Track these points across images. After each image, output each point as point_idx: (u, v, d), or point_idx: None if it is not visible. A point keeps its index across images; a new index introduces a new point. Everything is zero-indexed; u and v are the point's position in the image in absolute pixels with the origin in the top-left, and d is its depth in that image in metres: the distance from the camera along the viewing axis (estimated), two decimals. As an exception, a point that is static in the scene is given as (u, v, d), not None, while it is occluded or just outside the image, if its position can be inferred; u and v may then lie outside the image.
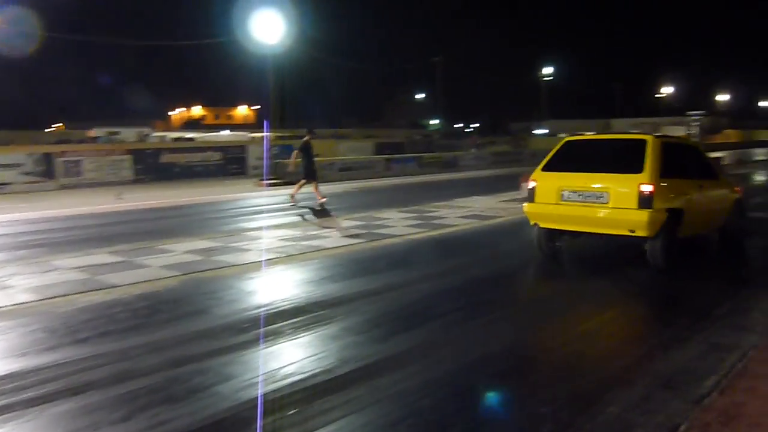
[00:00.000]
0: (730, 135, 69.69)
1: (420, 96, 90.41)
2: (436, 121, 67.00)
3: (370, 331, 5.28)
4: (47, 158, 22.24)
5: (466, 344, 4.97)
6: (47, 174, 21.87)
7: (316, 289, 6.78)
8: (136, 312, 5.92)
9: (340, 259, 8.48)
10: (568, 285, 7.41)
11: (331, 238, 10.06)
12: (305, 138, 15.37)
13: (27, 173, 21.62)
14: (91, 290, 6.72)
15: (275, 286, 7.06)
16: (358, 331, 5.29)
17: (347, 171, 24.15)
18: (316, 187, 15.15)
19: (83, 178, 22.60)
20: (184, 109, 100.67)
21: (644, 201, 6.97)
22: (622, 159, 7.53)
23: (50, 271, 7.69)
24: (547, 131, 68.83)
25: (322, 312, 5.82)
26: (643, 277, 7.41)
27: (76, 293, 6.57)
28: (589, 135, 9.33)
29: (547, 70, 64.75)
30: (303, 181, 15.33)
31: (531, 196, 8.14)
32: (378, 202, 15.43)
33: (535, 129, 70.10)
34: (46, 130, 60.95)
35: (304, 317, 5.66)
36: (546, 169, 8.11)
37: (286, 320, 5.58)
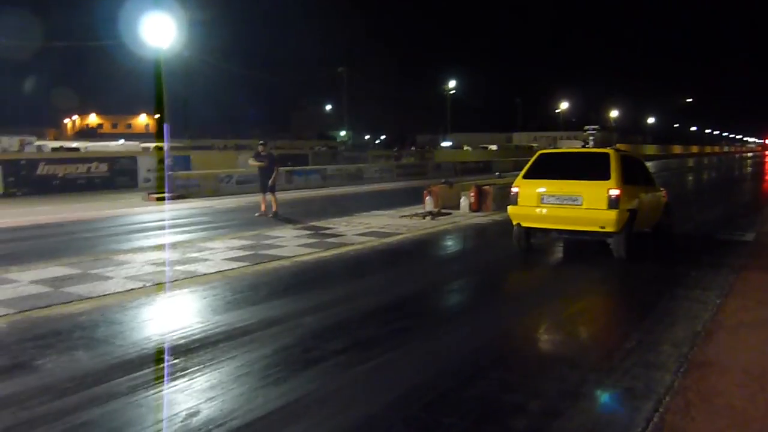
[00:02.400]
0: (621, 149, 73.44)
1: (328, 107, 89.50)
2: (344, 133, 66.36)
3: (226, 389, 4.29)
4: None
5: (341, 403, 4.10)
6: None
7: (175, 329, 5.70)
8: (-69, 369, 4.65)
9: (214, 287, 7.41)
10: (471, 316, 6.75)
11: (211, 261, 8.95)
12: (259, 150, 15.20)
13: None
14: None
15: (125, 327, 5.91)
16: (211, 389, 4.29)
17: (245, 184, 22.84)
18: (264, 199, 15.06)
19: (-59, 191, 20.05)
20: (78, 117, 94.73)
21: (612, 203, 8.45)
22: (591, 169, 8.88)
23: None
24: (451, 143, 69.82)
25: (174, 361, 4.79)
26: (545, 309, 6.88)
27: None
28: (559, 149, 13.11)
29: (452, 84, 65.71)
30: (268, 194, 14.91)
31: (515, 200, 9.37)
32: (273, 217, 14.38)
33: (441, 141, 70.95)
34: None
35: (148, 371, 4.60)
36: (526, 177, 9.39)
37: (124, 375, 4.50)
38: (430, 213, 14.55)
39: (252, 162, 15.43)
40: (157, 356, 4.91)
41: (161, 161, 21.57)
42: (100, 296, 6.95)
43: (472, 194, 15.65)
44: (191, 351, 5.03)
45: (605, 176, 8.57)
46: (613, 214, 8.41)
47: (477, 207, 15.43)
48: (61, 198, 20.73)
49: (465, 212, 15.27)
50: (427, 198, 15.25)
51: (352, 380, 4.51)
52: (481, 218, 14.26)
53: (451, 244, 11.73)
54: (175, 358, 4.85)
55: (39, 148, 31.20)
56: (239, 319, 5.98)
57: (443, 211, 14.96)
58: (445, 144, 69.12)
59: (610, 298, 7.58)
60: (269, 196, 14.85)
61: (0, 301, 6.63)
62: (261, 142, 15.83)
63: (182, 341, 5.29)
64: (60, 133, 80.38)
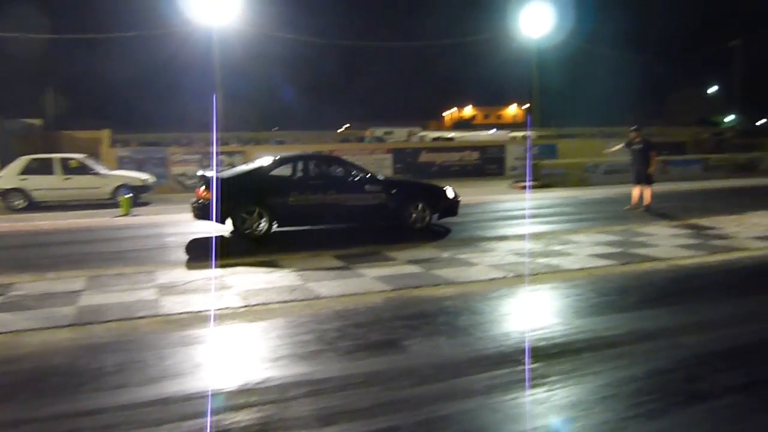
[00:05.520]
0: None
1: (712, 89, 79.00)
2: (731, 118, 57.77)
3: (589, 410, 3.73)
4: (318, 156, 24.03)
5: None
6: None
7: (534, 327, 5.34)
8: (324, 334, 5.23)
9: (577, 286, 6.87)
10: None
11: (575, 256, 8.42)
12: (631, 136, 13.91)
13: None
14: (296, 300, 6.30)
15: (485, 318, 5.82)
16: (572, 406, 3.79)
17: (613, 174, 21.54)
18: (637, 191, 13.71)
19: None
20: (456, 109, 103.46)
21: None
22: None
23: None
24: None
25: (533, 365, 4.43)
26: None
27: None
28: None
29: None
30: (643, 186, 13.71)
31: None
32: (644, 211, 13.07)
33: None
34: (338, 131, 66.96)
35: (506, 371, 4.33)
36: None
37: (483, 372, 4.33)
38: None
39: (607, 151, 14.70)
40: (515, 356, 4.64)
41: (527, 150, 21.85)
42: (464, 282, 7.08)
43: None
44: (551, 356, 4.62)
45: None
46: None
47: None
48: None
49: None
50: None
51: (754, 430, 3.52)
52: None
53: None
54: (534, 362, 4.50)
55: (421, 138, 34.78)
56: (605, 327, 5.34)
57: None
58: None
59: None
60: (643, 188, 13.52)
61: (381, 278, 7.28)
62: (633, 127, 14.02)
63: (542, 343, 4.92)
64: (440, 125, 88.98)
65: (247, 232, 10.09)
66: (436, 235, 10.56)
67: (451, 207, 11.41)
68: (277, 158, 11.15)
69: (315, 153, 13.97)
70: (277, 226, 10.32)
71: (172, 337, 5.34)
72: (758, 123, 76.41)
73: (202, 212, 10.21)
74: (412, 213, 10.87)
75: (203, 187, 10.24)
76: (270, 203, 10.21)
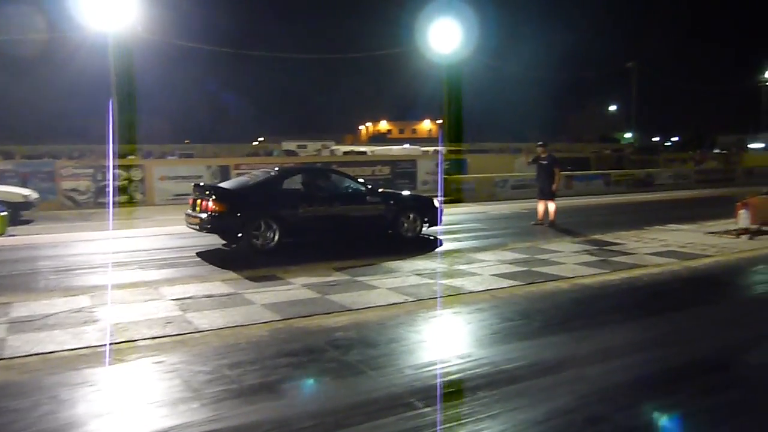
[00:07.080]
0: None
1: (612, 108, 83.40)
2: (630, 135, 60.99)
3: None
4: (224, 170, 22.92)
5: None
6: (222, 186, 22.45)
7: (430, 361, 4.87)
8: (192, 378, 4.52)
9: (480, 310, 6.47)
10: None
11: (479, 276, 8.08)
12: (538, 152, 13.91)
13: (204, 184, 22.35)
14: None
15: (379, 352, 5.26)
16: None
17: (521, 189, 21.82)
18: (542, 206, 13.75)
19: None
20: (371, 123, 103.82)
21: None
22: None
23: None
24: (764, 145, 59.37)
25: (424, 410, 3.93)
26: None
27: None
28: None
29: (769, 75, 55.75)
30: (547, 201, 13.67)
31: None
32: (549, 227, 13.07)
33: (750, 142, 60.84)
34: (253, 144, 65.16)
35: (392, 419, 3.80)
36: None
37: (367, 420, 3.78)
38: (746, 231, 11.78)
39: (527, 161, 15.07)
40: (406, 398, 4.12)
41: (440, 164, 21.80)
42: (360, 309, 6.54)
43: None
44: (446, 397, 4.13)
45: None
46: None
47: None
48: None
49: (797, 232, 12.06)
50: (742, 212, 12.40)
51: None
52: (822, 241, 11.07)
53: (781, 273, 9.14)
54: (426, 405, 4.00)
55: (332, 152, 34.29)
56: (505, 359, 4.93)
57: (763, 229, 12.00)
58: (756, 145, 59.03)
59: None
60: (547, 203, 13.54)
61: (270, 305, 6.62)
62: (540, 143, 14.11)
63: (436, 381, 4.44)
64: (356, 139, 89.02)
65: (259, 244, 9.85)
66: (336, 254, 9.97)
67: (437, 216, 11.72)
68: (281, 170, 11.24)
69: (315, 165, 14.16)
70: (284, 239, 10.08)
71: (4, 388, 4.47)
72: (654, 139, 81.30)
73: (214, 225, 9.86)
74: (406, 223, 11.21)
75: (212, 200, 9.78)
76: (282, 215, 10.08)
